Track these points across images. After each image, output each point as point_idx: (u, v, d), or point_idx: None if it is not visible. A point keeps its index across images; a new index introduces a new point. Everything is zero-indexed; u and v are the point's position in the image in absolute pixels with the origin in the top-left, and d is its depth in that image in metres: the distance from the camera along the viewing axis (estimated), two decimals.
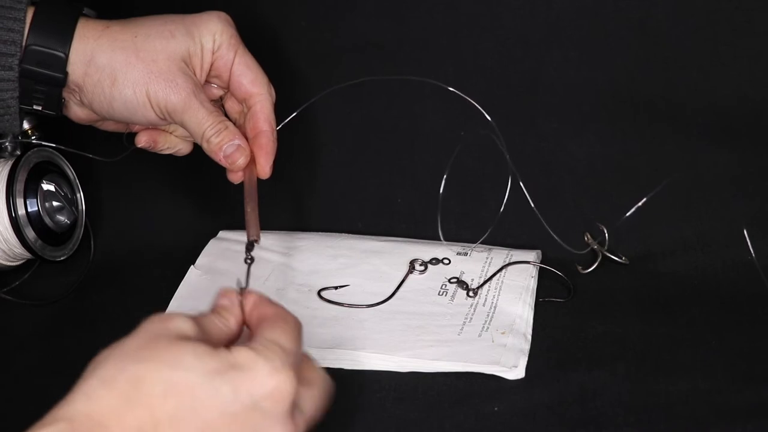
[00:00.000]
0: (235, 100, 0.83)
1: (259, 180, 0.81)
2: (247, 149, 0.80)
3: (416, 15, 0.95)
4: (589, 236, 0.93)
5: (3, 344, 0.86)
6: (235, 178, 0.81)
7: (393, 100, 0.98)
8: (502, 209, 0.90)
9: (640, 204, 0.86)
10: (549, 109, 0.94)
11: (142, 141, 0.83)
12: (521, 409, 0.75)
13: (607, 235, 0.92)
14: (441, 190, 0.90)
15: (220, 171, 0.98)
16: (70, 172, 0.95)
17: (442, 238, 0.91)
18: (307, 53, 0.97)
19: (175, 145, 0.84)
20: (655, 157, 0.94)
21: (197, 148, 0.84)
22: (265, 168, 0.81)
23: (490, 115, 0.93)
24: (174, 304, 0.87)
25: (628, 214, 0.86)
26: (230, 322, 0.61)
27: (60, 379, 0.80)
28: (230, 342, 0.61)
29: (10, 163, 0.89)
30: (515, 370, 0.78)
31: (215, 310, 0.62)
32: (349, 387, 0.76)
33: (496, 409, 0.75)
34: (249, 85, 0.81)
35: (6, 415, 0.78)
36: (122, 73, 0.77)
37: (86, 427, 0.52)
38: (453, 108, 0.94)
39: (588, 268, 0.92)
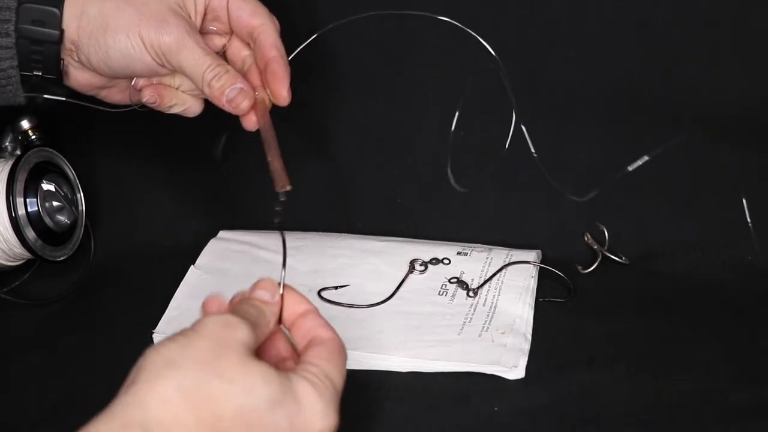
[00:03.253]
0: (239, 43, 0.82)
1: (277, 137, 0.78)
2: (250, 92, 0.78)
3: (417, 13, 0.95)
4: (589, 236, 0.93)
5: (3, 344, 0.86)
6: (249, 124, 0.79)
7: (393, 100, 0.98)
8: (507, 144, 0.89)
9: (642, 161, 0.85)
10: (549, 109, 0.94)
11: (146, 95, 0.80)
12: (521, 409, 0.75)
13: (607, 235, 0.92)
14: (453, 128, 0.89)
15: (219, 170, 0.99)
16: (70, 172, 0.95)
17: (452, 181, 0.90)
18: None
19: (183, 101, 0.81)
20: (655, 157, 0.94)
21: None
22: (282, 93, 0.78)
23: (490, 116, 0.93)
24: (174, 304, 0.87)
25: (631, 167, 0.85)
26: (271, 322, 0.62)
27: (60, 379, 0.81)
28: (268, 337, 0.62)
29: (10, 163, 0.89)
30: (515, 370, 0.78)
31: (253, 301, 0.62)
32: (350, 387, 0.76)
33: (496, 409, 0.75)
34: (249, 18, 0.80)
35: (6, 415, 0.78)
36: (114, 20, 0.76)
37: None
38: (454, 106, 0.94)
39: (588, 268, 0.92)
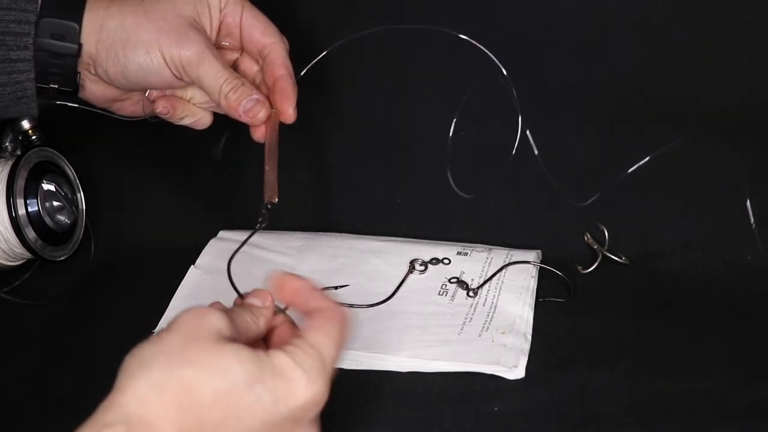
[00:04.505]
0: (250, 59, 0.83)
1: (279, 143, 0.80)
2: (266, 103, 0.80)
3: (417, 14, 0.95)
4: (589, 236, 0.93)
5: (3, 344, 0.86)
6: (260, 135, 0.81)
7: (394, 100, 0.98)
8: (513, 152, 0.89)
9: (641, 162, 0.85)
10: (549, 109, 0.94)
11: (159, 106, 0.82)
12: (521, 409, 0.75)
13: (607, 235, 0.92)
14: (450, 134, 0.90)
15: (219, 170, 0.99)
16: (70, 172, 0.95)
17: (452, 182, 0.91)
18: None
19: (194, 113, 0.83)
20: (655, 157, 0.94)
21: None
22: (288, 111, 0.80)
23: (490, 116, 0.93)
24: (174, 304, 0.87)
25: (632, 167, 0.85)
26: (260, 322, 0.63)
27: (60, 378, 0.81)
28: (256, 339, 0.63)
29: (10, 163, 0.89)
30: (515, 370, 0.78)
31: (246, 306, 0.64)
32: (350, 387, 0.76)
33: (496, 409, 0.75)
34: (260, 36, 0.81)
35: (6, 415, 0.78)
36: (134, 34, 0.77)
37: (142, 431, 0.54)
38: (454, 107, 0.94)
39: (588, 268, 0.92)
